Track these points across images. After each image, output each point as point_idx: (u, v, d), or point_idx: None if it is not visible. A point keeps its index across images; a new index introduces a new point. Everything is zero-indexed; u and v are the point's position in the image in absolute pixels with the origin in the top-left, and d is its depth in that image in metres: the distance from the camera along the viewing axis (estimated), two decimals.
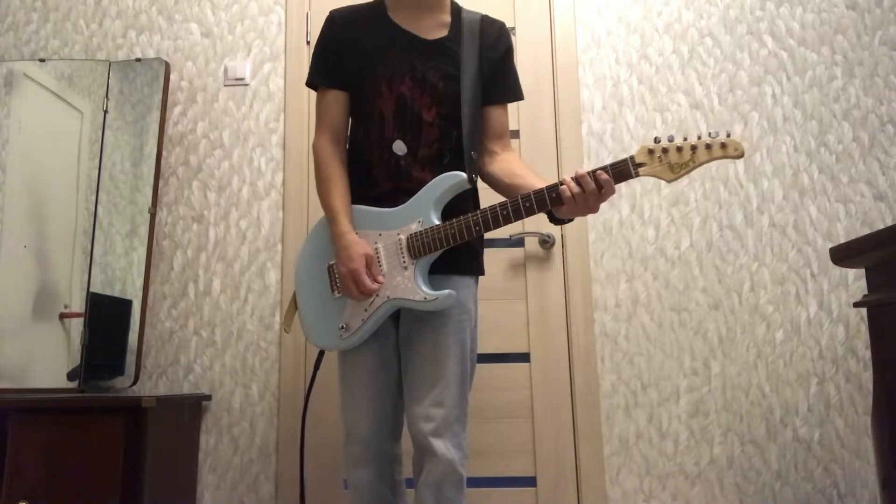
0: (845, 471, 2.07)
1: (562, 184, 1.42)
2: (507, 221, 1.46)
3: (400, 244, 1.52)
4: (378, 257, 1.53)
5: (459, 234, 1.48)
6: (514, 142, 2.26)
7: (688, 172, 1.39)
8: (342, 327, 1.55)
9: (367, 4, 1.70)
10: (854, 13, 2.33)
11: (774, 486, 2.08)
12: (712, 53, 2.33)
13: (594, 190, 1.40)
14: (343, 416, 1.60)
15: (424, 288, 1.49)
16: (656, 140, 1.38)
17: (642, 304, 2.18)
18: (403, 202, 1.54)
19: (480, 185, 1.64)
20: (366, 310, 1.52)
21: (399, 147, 1.57)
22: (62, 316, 2.17)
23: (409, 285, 1.49)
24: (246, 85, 2.38)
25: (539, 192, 1.45)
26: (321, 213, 1.61)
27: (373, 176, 1.59)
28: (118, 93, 2.30)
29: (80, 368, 2.12)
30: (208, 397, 2.19)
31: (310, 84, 1.69)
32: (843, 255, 1.41)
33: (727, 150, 1.36)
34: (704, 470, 2.10)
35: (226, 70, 2.40)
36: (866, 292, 1.40)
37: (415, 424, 1.50)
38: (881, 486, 1.33)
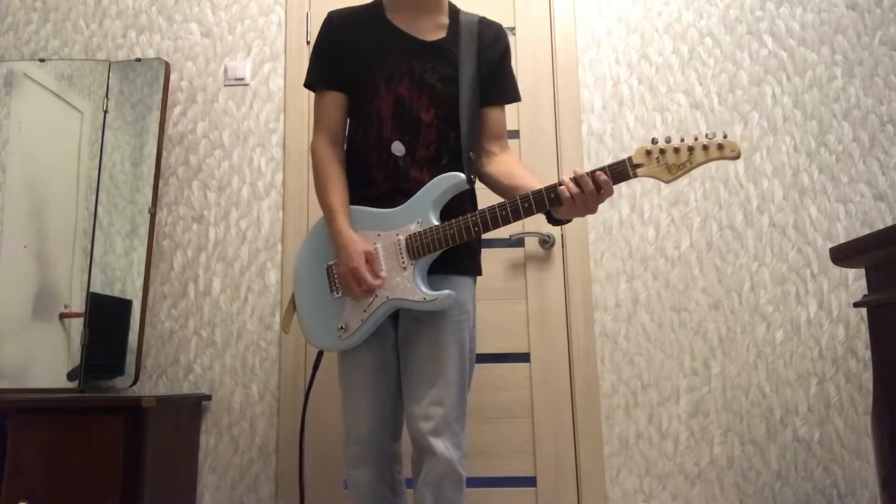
0: (845, 471, 2.07)
1: (560, 184, 1.42)
2: (506, 222, 1.46)
3: (399, 245, 1.52)
4: (377, 257, 1.53)
5: (458, 235, 1.48)
6: (514, 142, 2.26)
7: (685, 173, 1.39)
8: (341, 328, 1.55)
9: (366, 6, 1.70)
10: (854, 13, 2.33)
11: (774, 486, 2.08)
12: (712, 53, 2.33)
13: (593, 191, 1.41)
14: (343, 417, 1.60)
15: (424, 288, 1.49)
16: (654, 141, 1.39)
17: (642, 304, 2.18)
18: (402, 203, 1.54)
19: (478, 185, 1.64)
20: (365, 310, 1.52)
21: (397, 148, 1.58)
22: (62, 316, 2.17)
23: (409, 286, 1.49)
24: (246, 85, 2.39)
25: (538, 193, 1.45)
26: (321, 213, 1.61)
27: (371, 177, 1.59)
28: (118, 93, 2.31)
29: (80, 368, 2.13)
30: (208, 397, 2.19)
31: (307, 85, 1.69)
32: (843, 255, 1.41)
33: (724, 151, 1.37)
34: (704, 470, 2.10)
35: (226, 70, 2.40)
36: (866, 292, 1.40)
37: (414, 424, 1.50)
38: (881, 486, 1.33)
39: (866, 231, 2.19)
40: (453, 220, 1.48)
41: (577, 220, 2.07)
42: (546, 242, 2.22)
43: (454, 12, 1.68)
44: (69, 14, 2.48)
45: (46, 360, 2.15)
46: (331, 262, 1.58)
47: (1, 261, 2.19)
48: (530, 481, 2.11)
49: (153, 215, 2.23)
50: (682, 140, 1.39)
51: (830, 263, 2.15)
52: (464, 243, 1.50)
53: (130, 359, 2.14)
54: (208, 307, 2.25)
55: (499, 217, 1.46)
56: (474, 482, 2.06)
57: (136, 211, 2.23)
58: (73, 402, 1.90)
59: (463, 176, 1.52)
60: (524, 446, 2.13)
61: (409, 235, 1.51)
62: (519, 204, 1.46)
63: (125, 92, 2.31)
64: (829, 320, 2.15)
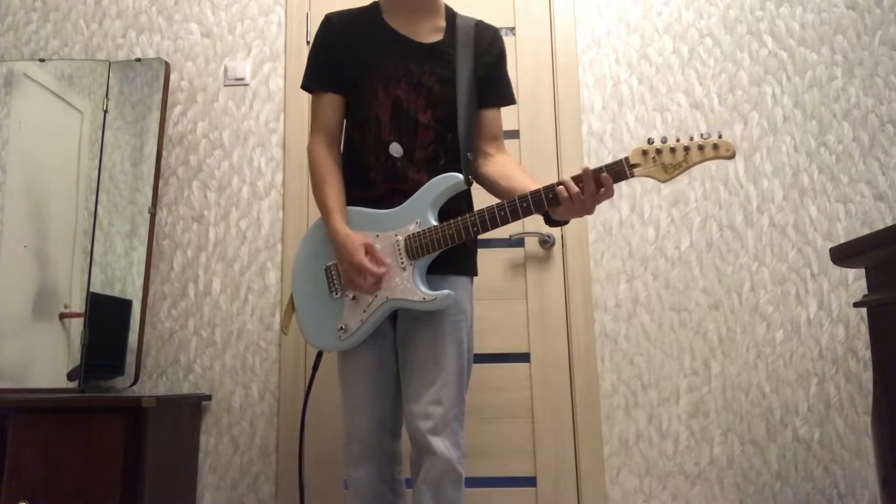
0: (845, 471, 2.07)
1: (560, 184, 1.42)
2: (505, 222, 1.47)
3: (398, 245, 1.52)
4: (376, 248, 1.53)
5: (457, 235, 1.48)
6: (514, 142, 2.27)
7: (681, 173, 1.41)
8: (341, 328, 1.55)
9: (363, 8, 1.71)
10: (854, 13, 2.33)
11: (774, 486, 2.07)
12: (712, 53, 2.32)
13: (593, 190, 1.41)
14: (343, 416, 1.60)
15: (423, 288, 1.49)
16: (650, 141, 1.40)
17: (642, 304, 2.18)
18: (400, 203, 1.54)
19: (474, 186, 1.64)
20: (364, 311, 1.53)
21: (395, 149, 1.58)
22: (62, 316, 2.17)
23: (408, 286, 1.50)
24: (246, 85, 2.39)
25: (536, 193, 1.46)
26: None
27: (369, 178, 1.59)
28: (118, 93, 2.31)
29: (80, 368, 2.13)
30: (208, 397, 2.19)
31: (305, 87, 1.69)
32: (843, 255, 1.41)
33: (719, 150, 1.38)
34: (704, 470, 2.09)
35: (226, 70, 2.40)
36: (866, 292, 1.40)
37: (413, 423, 1.50)
38: (881, 486, 1.33)
39: (866, 231, 2.19)
40: (452, 221, 1.48)
41: (577, 221, 2.07)
42: (546, 242, 2.22)
43: (451, 15, 1.69)
44: (69, 14, 2.48)
45: (46, 360, 2.15)
46: (329, 263, 1.59)
47: (1, 261, 2.19)
48: (530, 481, 2.11)
49: (153, 215, 2.23)
50: (678, 140, 1.40)
51: (830, 263, 2.14)
52: (461, 244, 1.51)
53: (130, 359, 2.14)
54: (208, 307, 2.25)
55: (497, 217, 1.47)
56: (474, 482, 2.06)
57: (136, 211, 2.23)
58: (73, 402, 1.90)
59: (461, 176, 1.53)
60: (524, 446, 2.13)
61: (408, 236, 1.51)
62: (517, 204, 1.46)
63: (125, 92, 2.31)
64: (829, 320, 2.15)
